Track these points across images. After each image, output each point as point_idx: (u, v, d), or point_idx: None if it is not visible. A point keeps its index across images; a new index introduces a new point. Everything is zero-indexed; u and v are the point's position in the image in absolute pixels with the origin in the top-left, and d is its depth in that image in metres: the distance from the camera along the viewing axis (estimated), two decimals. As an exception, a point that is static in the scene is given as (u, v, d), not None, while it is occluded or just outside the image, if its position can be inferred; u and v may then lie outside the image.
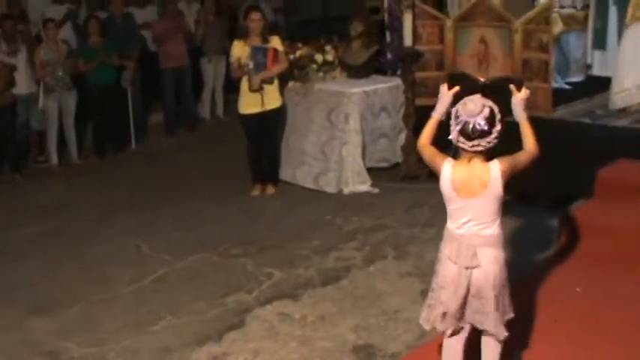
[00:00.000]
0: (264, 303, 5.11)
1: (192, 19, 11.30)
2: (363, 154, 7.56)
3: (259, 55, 7.15)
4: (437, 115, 3.60)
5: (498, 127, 3.34)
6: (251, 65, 7.11)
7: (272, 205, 7.22)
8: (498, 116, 3.35)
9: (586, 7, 9.50)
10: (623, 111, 7.17)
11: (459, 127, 3.32)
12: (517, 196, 6.81)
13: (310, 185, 7.62)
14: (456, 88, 3.60)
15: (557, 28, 8.58)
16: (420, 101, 7.71)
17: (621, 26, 7.52)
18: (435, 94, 7.62)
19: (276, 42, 7.31)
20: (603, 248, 5.18)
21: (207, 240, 6.30)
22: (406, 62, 7.54)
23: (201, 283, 5.52)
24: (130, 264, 5.94)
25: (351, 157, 7.39)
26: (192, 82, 10.80)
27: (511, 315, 3.53)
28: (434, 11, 7.93)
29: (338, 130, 7.42)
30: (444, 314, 3.47)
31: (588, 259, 5.19)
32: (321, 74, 7.90)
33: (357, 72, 7.90)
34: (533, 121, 6.63)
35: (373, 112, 7.57)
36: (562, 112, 7.32)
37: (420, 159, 7.37)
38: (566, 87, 8.71)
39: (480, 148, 3.34)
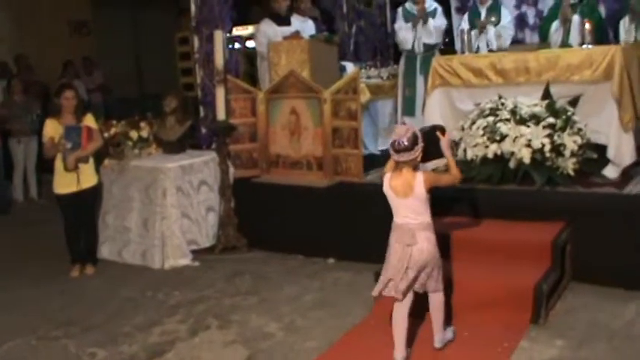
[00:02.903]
0: (87, 383, 5.01)
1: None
2: (198, 229, 7.65)
3: (73, 134, 7.06)
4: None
5: (419, 145, 4.63)
6: (68, 145, 7.03)
7: (92, 284, 7.07)
8: (420, 139, 4.65)
9: (392, 76, 10.08)
10: (434, 172, 7.57)
11: (391, 145, 4.64)
12: (337, 256, 7.12)
13: (133, 261, 7.56)
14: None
15: (365, 97, 9.03)
16: (237, 173, 7.89)
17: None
18: (249, 166, 7.95)
19: (89, 120, 7.26)
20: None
21: (24, 324, 6.05)
22: (220, 136, 7.70)
23: (19, 370, 5.33)
24: (-60, 356, 5.63)
25: (170, 231, 7.38)
26: (3, 163, 10.49)
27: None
28: (245, 85, 8.16)
29: (155, 206, 7.41)
30: (388, 281, 4.72)
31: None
32: (136, 151, 7.90)
33: (173, 147, 7.96)
34: (346, 186, 6.97)
35: (193, 187, 7.61)
36: (373, 177, 7.64)
37: (238, 230, 7.60)
38: (377, 153, 9.14)
39: (403, 159, 4.63)
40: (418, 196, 4.68)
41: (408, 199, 4.69)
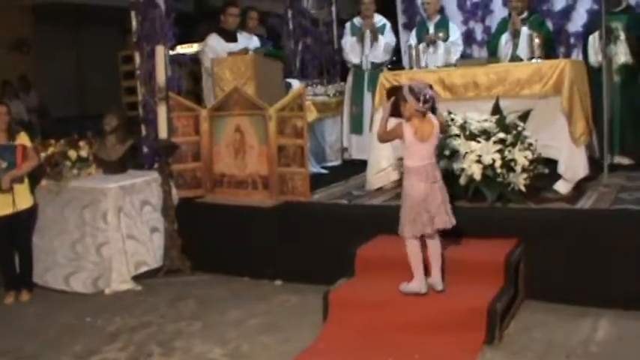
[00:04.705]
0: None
1: None
2: (146, 250, 7.39)
3: (7, 153, 6.81)
4: (386, 115, 5.56)
5: None
6: (3, 165, 6.76)
7: (27, 311, 6.74)
8: None
9: (339, 93, 9.97)
10: (380, 190, 7.47)
11: (421, 97, 5.25)
12: (283, 278, 6.93)
13: (72, 287, 7.21)
14: (393, 98, 5.51)
15: (312, 115, 8.87)
16: (180, 193, 7.65)
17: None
18: (192, 185, 7.72)
19: (23, 138, 6.98)
20: (367, 322, 5.34)
21: (-49, 358, 5.75)
22: (162, 155, 7.44)
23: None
24: None
25: (112, 255, 7.09)
26: None
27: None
28: (188, 103, 7.94)
29: (95, 229, 7.11)
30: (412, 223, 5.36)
31: (354, 334, 5.31)
32: (75, 171, 7.60)
33: (113, 167, 7.68)
34: (293, 206, 6.82)
35: (135, 207, 7.33)
36: (320, 196, 7.51)
37: (183, 252, 7.37)
38: (323, 171, 8.99)
39: (427, 107, 5.32)
40: (435, 138, 5.42)
41: (426, 142, 5.36)
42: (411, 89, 5.31)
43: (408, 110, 5.35)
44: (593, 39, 7.83)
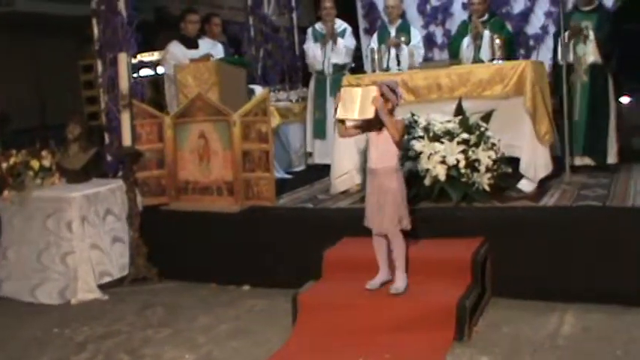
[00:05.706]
0: None
1: None
2: (109, 260, 7.29)
3: (-34, 164, 6.74)
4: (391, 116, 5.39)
5: None
6: (-38, 176, 6.69)
7: (-7, 324, 6.68)
8: None
9: (301, 99, 10.00)
10: (344, 193, 7.50)
11: (398, 93, 5.38)
12: (251, 283, 6.92)
13: (38, 298, 7.11)
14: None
15: (275, 121, 8.87)
16: (145, 201, 7.60)
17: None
18: (157, 193, 7.65)
19: (-18, 150, 6.92)
20: (337, 324, 5.34)
21: None
22: (126, 163, 7.40)
23: None
24: None
25: (77, 265, 7.02)
26: None
27: None
28: (152, 110, 7.89)
29: (59, 239, 7.03)
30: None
31: (324, 336, 5.31)
32: (38, 181, 7.52)
33: (77, 176, 7.60)
34: (259, 210, 6.80)
35: (99, 217, 7.26)
36: (285, 200, 7.52)
37: (149, 260, 7.31)
38: (288, 176, 9.00)
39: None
40: None
41: None
42: (390, 88, 5.34)
43: (389, 109, 5.36)
44: (564, 38, 7.88)
